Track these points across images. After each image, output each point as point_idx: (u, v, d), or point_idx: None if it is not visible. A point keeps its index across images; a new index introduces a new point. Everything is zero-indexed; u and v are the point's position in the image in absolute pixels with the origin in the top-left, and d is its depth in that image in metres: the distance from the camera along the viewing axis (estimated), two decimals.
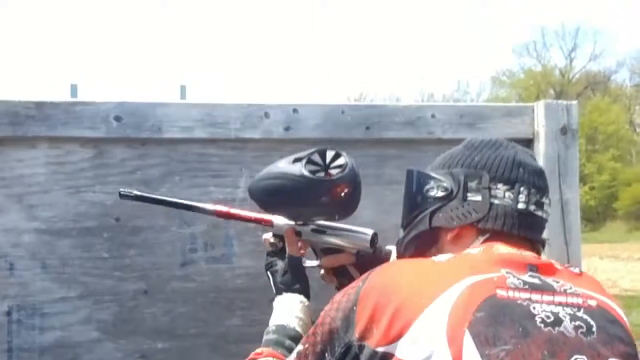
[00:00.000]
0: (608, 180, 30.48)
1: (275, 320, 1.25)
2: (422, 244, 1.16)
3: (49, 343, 1.48)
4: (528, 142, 1.65)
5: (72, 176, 1.52)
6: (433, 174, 1.18)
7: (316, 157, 1.27)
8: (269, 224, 1.36)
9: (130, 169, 1.54)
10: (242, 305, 1.55)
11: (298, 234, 1.34)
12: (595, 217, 29.12)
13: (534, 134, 1.64)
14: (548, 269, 1.05)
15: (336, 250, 1.34)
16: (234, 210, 1.37)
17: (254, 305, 1.53)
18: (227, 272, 1.56)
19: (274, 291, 1.30)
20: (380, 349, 0.93)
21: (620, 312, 1.04)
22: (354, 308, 0.98)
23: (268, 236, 1.36)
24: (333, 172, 1.25)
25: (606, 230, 27.88)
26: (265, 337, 1.22)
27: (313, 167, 1.25)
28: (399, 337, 0.92)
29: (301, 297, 1.27)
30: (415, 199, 1.19)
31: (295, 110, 1.59)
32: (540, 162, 1.62)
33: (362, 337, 0.95)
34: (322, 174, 1.25)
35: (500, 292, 0.96)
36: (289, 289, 1.30)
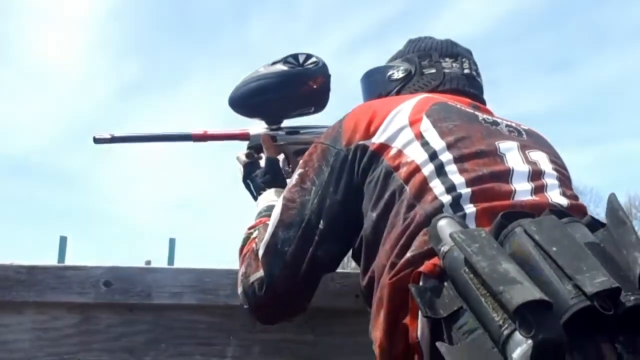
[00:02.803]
0: None
1: (265, 204, 1.38)
2: None
3: None
4: None
5: (56, 343, 1.49)
6: (390, 64, 1.41)
7: (291, 59, 1.43)
8: (245, 137, 1.48)
9: (116, 336, 1.52)
10: None
11: (274, 138, 1.48)
12: None
13: None
14: (487, 111, 1.26)
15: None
16: (210, 131, 1.49)
17: None
18: None
19: (255, 193, 1.43)
20: (360, 142, 1.13)
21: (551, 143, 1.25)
22: (340, 130, 1.18)
23: (241, 152, 1.48)
24: (309, 67, 1.43)
25: None
26: (258, 216, 1.37)
27: (291, 65, 1.42)
28: (374, 132, 1.12)
29: (284, 190, 1.34)
30: (380, 87, 1.40)
31: None
32: None
33: (349, 143, 1.15)
34: (300, 68, 1.43)
35: (450, 102, 1.19)
36: (271, 186, 1.43)
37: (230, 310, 1.57)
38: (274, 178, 1.45)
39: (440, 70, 1.36)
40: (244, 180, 1.48)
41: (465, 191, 1.01)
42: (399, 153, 1.09)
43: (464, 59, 1.38)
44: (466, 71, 1.37)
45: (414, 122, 1.12)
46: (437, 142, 1.08)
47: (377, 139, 1.12)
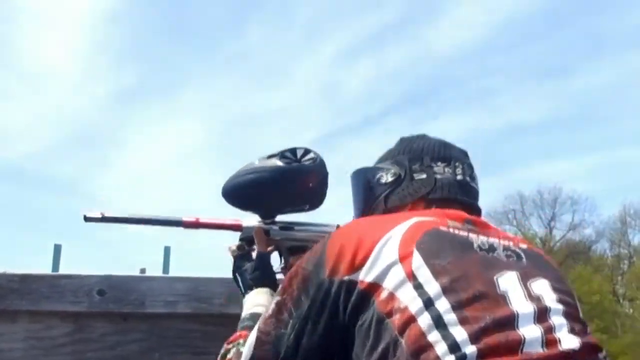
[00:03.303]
0: None
1: (248, 310, 1.31)
2: None
3: None
4: None
5: (50, 352, 1.48)
6: (380, 166, 1.34)
7: (288, 154, 1.37)
8: (237, 228, 1.41)
9: (110, 344, 1.51)
10: None
11: (267, 232, 1.42)
12: None
13: None
14: (483, 225, 1.19)
15: (302, 248, 1.34)
16: (202, 219, 1.40)
17: None
18: None
19: (243, 290, 1.36)
20: (346, 278, 1.04)
21: (551, 260, 1.19)
22: (323, 255, 1.09)
23: (233, 244, 1.41)
24: (305, 163, 1.37)
25: None
26: (240, 325, 1.28)
27: (287, 160, 1.36)
28: (361, 265, 1.04)
29: (272, 291, 1.31)
30: (368, 190, 1.33)
31: None
32: None
33: (332, 274, 1.06)
34: (296, 165, 1.36)
35: (442, 227, 1.11)
36: (259, 284, 1.36)
37: (225, 318, 1.57)
38: (263, 275, 1.38)
39: (431, 175, 1.29)
40: (233, 273, 1.41)
41: (471, 350, 0.94)
42: (391, 297, 1.01)
43: (457, 163, 1.31)
44: (459, 177, 1.30)
45: (404, 258, 1.04)
46: (431, 285, 1.01)
47: (366, 276, 1.04)
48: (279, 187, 1.38)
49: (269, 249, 1.43)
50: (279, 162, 1.36)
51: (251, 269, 1.39)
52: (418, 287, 1.00)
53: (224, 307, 1.57)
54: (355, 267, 1.04)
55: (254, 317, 1.25)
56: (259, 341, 1.14)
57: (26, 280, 1.49)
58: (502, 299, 1.00)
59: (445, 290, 0.99)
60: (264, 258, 1.40)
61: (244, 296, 1.36)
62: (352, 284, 1.03)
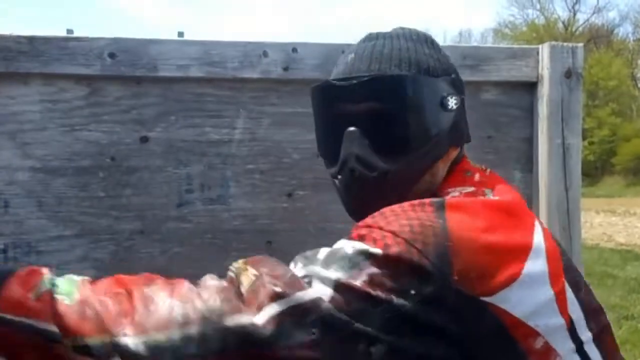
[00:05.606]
0: (607, 135, 30.46)
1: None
2: (418, 171, 0.97)
3: None
4: (532, 85, 1.61)
5: (66, 114, 1.48)
6: (441, 78, 0.97)
7: None
8: None
9: (126, 108, 1.51)
10: (238, 247, 1.54)
11: None
12: (594, 172, 29.20)
13: (538, 77, 1.60)
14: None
15: None
16: None
17: (250, 246, 1.52)
18: (224, 214, 1.54)
19: None
20: (484, 299, 0.78)
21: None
22: (447, 244, 0.79)
23: None
24: None
25: (603, 186, 27.99)
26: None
27: None
28: (502, 287, 0.79)
29: None
30: (426, 113, 0.94)
31: (294, 50, 1.54)
32: (544, 105, 1.59)
33: (460, 281, 0.78)
34: None
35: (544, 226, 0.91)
36: None
37: (239, 83, 1.55)
38: None
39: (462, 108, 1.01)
40: None
41: None
42: (547, 349, 0.80)
43: (462, 95, 1.04)
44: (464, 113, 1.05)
45: (559, 293, 0.83)
46: (583, 332, 0.85)
47: (511, 306, 0.79)
48: None
49: None
50: None
51: None
52: (573, 333, 0.84)
53: (238, 71, 1.54)
54: (497, 286, 0.79)
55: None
56: (337, 302, 0.79)
57: (34, 42, 1.45)
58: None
59: (595, 339, 0.87)
60: None
61: None
62: (491, 306, 0.79)
